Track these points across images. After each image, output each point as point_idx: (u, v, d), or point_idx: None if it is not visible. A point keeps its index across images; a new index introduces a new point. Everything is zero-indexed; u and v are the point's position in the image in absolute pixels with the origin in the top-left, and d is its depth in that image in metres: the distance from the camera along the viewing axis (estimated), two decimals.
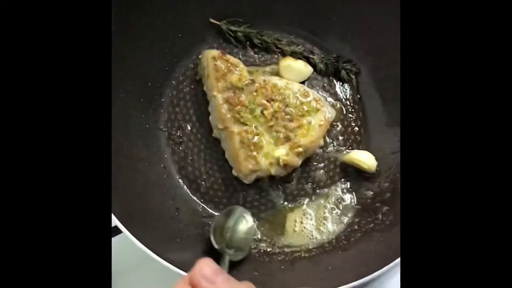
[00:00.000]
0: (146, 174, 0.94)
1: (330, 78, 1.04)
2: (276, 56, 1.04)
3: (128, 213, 0.78)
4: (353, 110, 1.03)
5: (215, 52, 0.97)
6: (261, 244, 0.93)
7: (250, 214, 0.93)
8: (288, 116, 0.92)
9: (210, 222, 0.94)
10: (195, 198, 0.97)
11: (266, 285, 0.82)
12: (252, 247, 0.92)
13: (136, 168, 0.92)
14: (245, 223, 0.91)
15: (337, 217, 0.95)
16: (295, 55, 1.03)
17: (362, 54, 1.02)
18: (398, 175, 0.92)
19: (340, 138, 1.01)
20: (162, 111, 1.01)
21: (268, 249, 0.92)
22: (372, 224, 0.90)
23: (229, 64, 0.96)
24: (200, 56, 1.01)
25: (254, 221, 0.93)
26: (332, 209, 0.96)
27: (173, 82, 1.02)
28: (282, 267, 0.87)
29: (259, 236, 0.94)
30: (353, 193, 0.97)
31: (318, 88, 1.03)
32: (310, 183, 0.98)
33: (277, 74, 1.00)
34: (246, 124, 0.91)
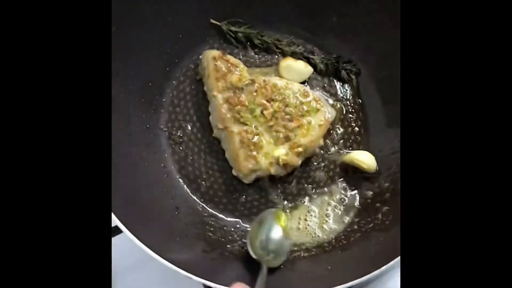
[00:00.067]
0: (146, 174, 0.94)
1: (330, 78, 1.05)
2: (276, 56, 1.05)
3: (128, 213, 0.78)
4: (353, 110, 1.03)
5: (215, 53, 0.97)
6: None
7: (283, 213, 0.92)
8: (288, 116, 0.92)
9: (211, 222, 0.95)
10: (195, 198, 0.97)
11: (265, 285, 0.82)
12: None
13: (136, 168, 0.92)
14: (279, 226, 0.89)
15: (339, 216, 0.95)
16: (295, 55, 1.03)
17: (362, 55, 1.02)
18: (398, 175, 0.92)
19: (340, 138, 1.01)
20: (162, 111, 1.01)
21: None
22: (372, 224, 0.90)
23: (229, 64, 0.96)
24: (200, 57, 1.01)
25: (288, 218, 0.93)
26: (335, 207, 0.96)
27: (173, 82, 1.02)
28: (282, 266, 0.87)
29: None
30: (354, 193, 0.97)
31: (318, 88, 1.03)
32: (310, 183, 0.98)
33: (278, 74, 1.01)
34: (246, 124, 0.91)
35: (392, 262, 0.75)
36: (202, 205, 0.97)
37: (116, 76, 0.81)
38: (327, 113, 0.94)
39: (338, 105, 1.03)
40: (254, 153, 0.90)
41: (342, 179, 0.99)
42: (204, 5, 1.00)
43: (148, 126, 0.98)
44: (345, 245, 0.89)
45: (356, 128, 1.02)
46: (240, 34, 1.03)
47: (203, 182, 0.98)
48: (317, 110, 0.93)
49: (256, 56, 1.05)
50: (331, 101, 1.03)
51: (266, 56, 1.05)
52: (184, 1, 0.98)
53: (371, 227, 0.89)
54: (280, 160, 0.90)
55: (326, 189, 0.98)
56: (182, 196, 0.97)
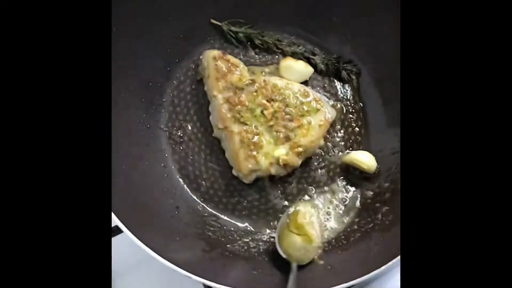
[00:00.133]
0: (146, 173, 0.94)
1: (331, 78, 1.05)
2: (277, 56, 1.05)
3: (128, 213, 0.79)
4: (353, 110, 1.03)
5: (216, 53, 0.97)
6: (260, 243, 0.93)
7: (310, 205, 0.92)
8: (288, 116, 0.92)
9: (211, 222, 0.95)
10: (195, 198, 0.97)
11: (265, 284, 0.82)
12: (252, 246, 0.92)
13: (136, 168, 0.92)
14: (307, 219, 0.89)
15: (339, 215, 0.95)
16: (296, 55, 1.03)
17: (363, 55, 1.02)
18: (398, 175, 0.92)
19: (340, 138, 1.01)
20: (163, 111, 1.01)
21: (267, 248, 0.92)
22: (372, 224, 0.90)
23: (229, 64, 0.96)
24: (201, 57, 1.01)
25: (316, 211, 0.93)
26: (337, 206, 0.96)
27: (174, 82, 1.02)
28: (282, 266, 0.87)
29: (258, 235, 0.94)
30: (354, 193, 0.97)
31: (318, 88, 1.03)
32: (310, 183, 0.98)
33: (278, 74, 1.01)
34: (246, 124, 0.91)
35: (392, 262, 0.75)
36: (202, 205, 0.97)
37: (117, 76, 0.81)
38: (327, 113, 0.95)
39: (339, 105, 1.03)
40: (254, 153, 0.90)
41: (342, 178, 0.99)
42: (204, 5, 1.00)
43: (148, 126, 0.98)
44: (345, 245, 0.89)
45: (356, 128, 1.02)
46: (240, 34, 1.03)
47: (203, 182, 0.98)
48: (317, 110, 0.93)
49: (257, 56, 1.05)
50: (331, 102, 1.03)
51: (266, 56, 1.05)
52: (185, 1, 0.98)
53: (371, 227, 0.89)
54: (280, 160, 0.90)
55: (326, 188, 0.98)
56: (182, 196, 0.97)
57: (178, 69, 1.03)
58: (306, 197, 0.97)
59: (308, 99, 0.94)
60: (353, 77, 1.03)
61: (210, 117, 0.98)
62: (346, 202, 0.96)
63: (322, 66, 1.03)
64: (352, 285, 0.76)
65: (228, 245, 0.91)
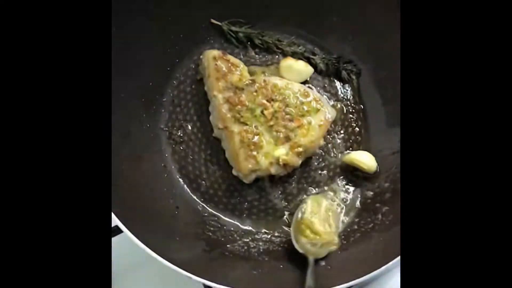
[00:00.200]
0: (146, 173, 0.94)
1: (331, 78, 1.05)
2: (277, 56, 1.05)
3: (128, 213, 0.79)
4: (353, 110, 1.03)
5: (216, 52, 0.97)
6: (260, 243, 0.93)
7: (324, 198, 0.92)
8: (288, 116, 0.92)
9: (211, 222, 0.95)
10: (195, 198, 0.97)
11: (265, 284, 0.82)
12: (252, 246, 0.92)
13: (136, 168, 0.92)
14: (322, 212, 0.89)
15: (340, 215, 0.95)
16: (296, 55, 1.03)
17: (363, 55, 1.02)
18: (398, 176, 0.92)
19: (340, 138, 1.01)
20: (163, 110, 1.01)
21: (267, 248, 0.92)
22: (372, 224, 0.90)
23: (229, 64, 0.96)
24: (201, 56, 1.01)
25: (332, 204, 0.93)
26: (338, 205, 0.96)
27: (174, 82, 1.02)
28: (281, 266, 0.87)
29: (258, 235, 0.94)
30: (354, 193, 0.97)
31: (318, 88, 1.03)
32: (310, 183, 0.98)
33: (278, 74, 1.01)
34: (246, 124, 0.91)
35: (392, 262, 0.75)
36: (202, 205, 0.97)
37: (117, 76, 0.81)
38: (327, 113, 0.94)
39: (339, 105, 1.03)
40: (254, 153, 0.90)
41: (342, 178, 0.99)
42: (204, 5, 1.00)
43: (148, 125, 0.98)
44: (345, 245, 0.89)
45: (357, 128, 1.02)
46: (240, 34, 1.03)
47: (203, 182, 0.98)
48: (318, 110, 0.93)
49: (257, 56, 1.05)
50: (331, 101, 1.03)
51: (266, 56, 1.05)
52: (185, 1, 0.98)
53: (371, 227, 0.89)
54: (280, 160, 0.90)
55: (326, 188, 0.98)
56: (182, 196, 0.97)
57: (178, 69, 1.03)
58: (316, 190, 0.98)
59: (308, 99, 0.94)
60: (353, 77, 1.03)
61: (210, 117, 0.98)
62: (346, 202, 0.96)
63: (322, 66, 1.03)
64: (352, 285, 0.76)
65: (228, 245, 0.91)
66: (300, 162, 0.93)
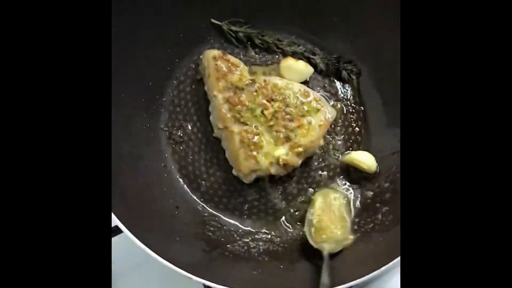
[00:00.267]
0: (146, 173, 0.94)
1: (331, 78, 1.05)
2: (277, 56, 1.05)
3: (128, 213, 0.79)
4: (353, 110, 1.03)
5: (216, 52, 0.97)
6: (260, 243, 0.93)
7: (334, 192, 0.93)
8: (288, 116, 0.92)
9: (211, 222, 0.95)
10: (195, 198, 0.97)
11: (265, 284, 0.82)
12: (252, 246, 0.92)
13: (136, 168, 0.92)
14: (336, 206, 0.90)
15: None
16: (296, 55, 1.03)
17: (363, 55, 1.02)
18: (398, 176, 0.92)
19: (341, 138, 1.01)
20: (163, 110, 1.01)
21: (267, 248, 0.92)
22: (372, 224, 0.90)
23: (229, 64, 0.96)
24: (201, 56, 1.01)
25: (345, 197, 0.93)
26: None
27: (174, 81, 1.02)
28: (281, 266, 0.87)
29: (258, 235, 0.94)
30: (354, 193, 0.97)
31: (319, 88, 1.03)
32: (310, 183, 0.98)
33: (278, 74, 1.01)
34: (246, 124, 0.91)
35: (392, 262, 0.75)
36: (202, 205, 0.97)
37: (117, 76, 0.81)
38: (328, 113, 0.94)
39: (339, 105, 1.03)
40: (254, 153, 0.90)
41: (342, 178, 0.99)
42: (204, 4, 1.00)
43: (148, 125, 0.98)
44: None
45: (357, 129, 1.02)
46: (240, 34, 1.03)
47: (203, 182, 0.98)
48: (318, 110, 0.93)
49: (257, 56, 1.05)
50: (331, 101, 1.03)
51: (266, 56, 1.05)
52: (185, 1, 0.98)
53: (371, 227, 0.89)
54: (280, 160, 0.90)
55: (326, 189, 0.98)
56: (182, 196, 0.97)
57: (178, 69, 1.03)
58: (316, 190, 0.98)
59: (308, 99, 0.94)
60: (353, 77, 1.03)
61: (210, 117, 0.98)
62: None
63: (322, 66, 1.03)
64: (352, 285, 0.76)
65: (228, 245, 0.91)
66: (300, 162, 0.93)
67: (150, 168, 0.95)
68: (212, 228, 0.93)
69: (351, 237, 0.87)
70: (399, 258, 0.74)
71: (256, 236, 0.94)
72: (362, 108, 1.03)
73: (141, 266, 0.97)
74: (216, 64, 0.96)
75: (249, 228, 0.95)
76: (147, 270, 0.96)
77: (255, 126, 0.91)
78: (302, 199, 0.97)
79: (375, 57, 1.01)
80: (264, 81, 0.94)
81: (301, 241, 0.93)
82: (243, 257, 0.89)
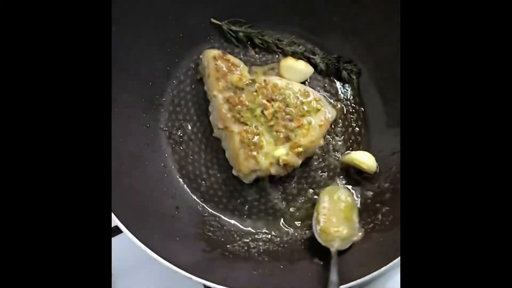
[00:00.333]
0: (146, 173, 0.94)
1: (331, 78, 1.05)
2: (277, 56, 1.05)
3: (128, 213, 0.79)
4: (353, 110, 1.03)
5: (216, 52, 0.97)
6: (260, 243, 0.93)
7: (338, 189, 0.92)
8: (288, 116, 0.92)
9: (211, 222, 0.95)
10: (195, 198, 0.97)
11: (265, 284, 0.82)
12: (252, 246, 0.92)
13: (136, 168, 0.92)
14: (342, 203, 0.90)
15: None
16: (296, 55, 1.03)
17: (363, 55, 1.02)
18: (398, 176, 0.92)
19: (341, 138, 1.01)
20: (162, 110, 1.01)
21: (267, 248, 0.92)
22: (372, 224, 0.90)
23: (229, 64, 0.96)
24: (201, 56, 1.01)
25: (353, 196, 0.94)
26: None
27: (174, 81, 1.02)
28: (282, 266, 0.87)
29: (258, 235, 0.94)
30: (354, 193, 0.97)
31: (319, 88, 1.03)
32: (310, 183, 0.98)
33: (278, 74, 1.01)
34: (246, 124, 0.91)
35: (392, 262, 0.75)
36: (202, 205, 0.97)
37: (117, 76, 0.81)
38: (328, 113, 0.94)
39: (339, 105, 1.03)
40: (254, 153, 0.90)
41: (342, 178, 0.99)
42: (204, 4, 1.00)
43: (148, 125, 0.98)
44: None
45: (357, 128, 1.02)
46: (240, 34, 1.03)
47: (203, 182, 0.98)
48: (318, 110, 0.93)
49: (257, 55, 1.05)
50: (331, 101, 1.03)
51: (266, 56, 1.05)
52: (185, 1, 0.98)
53: (371, 227, 0.89)
54: (280, 160, 0.90)
55: (332, 186, 0.98)
56: (182, 196, 0.97)
57: (178, 69, 1.03)
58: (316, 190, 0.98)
59: (309, 99, 0.94)
60: (353, 77, 1.03)
61: (210, 117, 0.98)
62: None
63: (322, 65, 1.03)
64: (352, 285, 0.76)
65: (228, 245, 0.91)
66: (300, 162, 0.93)
67: (150, 168, 0.95)
68: (212, 228, 0.93)
69: (359, 233, 0.87)
70: (399, 258, 0.74)
71: (256, 236, 0.94)
72: (362, 108, 1.03)
73: (141, 266, 0.97)
74: (216, 64, 0.96)
75: (249, 228, 0.95)
76: (147, 270, 0.96)
77: (255, 126, 0.91)
78: (302, 199, 0.97)
79: (375, 57, 1.01)
80: (264, 81, 0.94)
81: (301, 241, 0.93)
82: (243, 257, 0.88)
